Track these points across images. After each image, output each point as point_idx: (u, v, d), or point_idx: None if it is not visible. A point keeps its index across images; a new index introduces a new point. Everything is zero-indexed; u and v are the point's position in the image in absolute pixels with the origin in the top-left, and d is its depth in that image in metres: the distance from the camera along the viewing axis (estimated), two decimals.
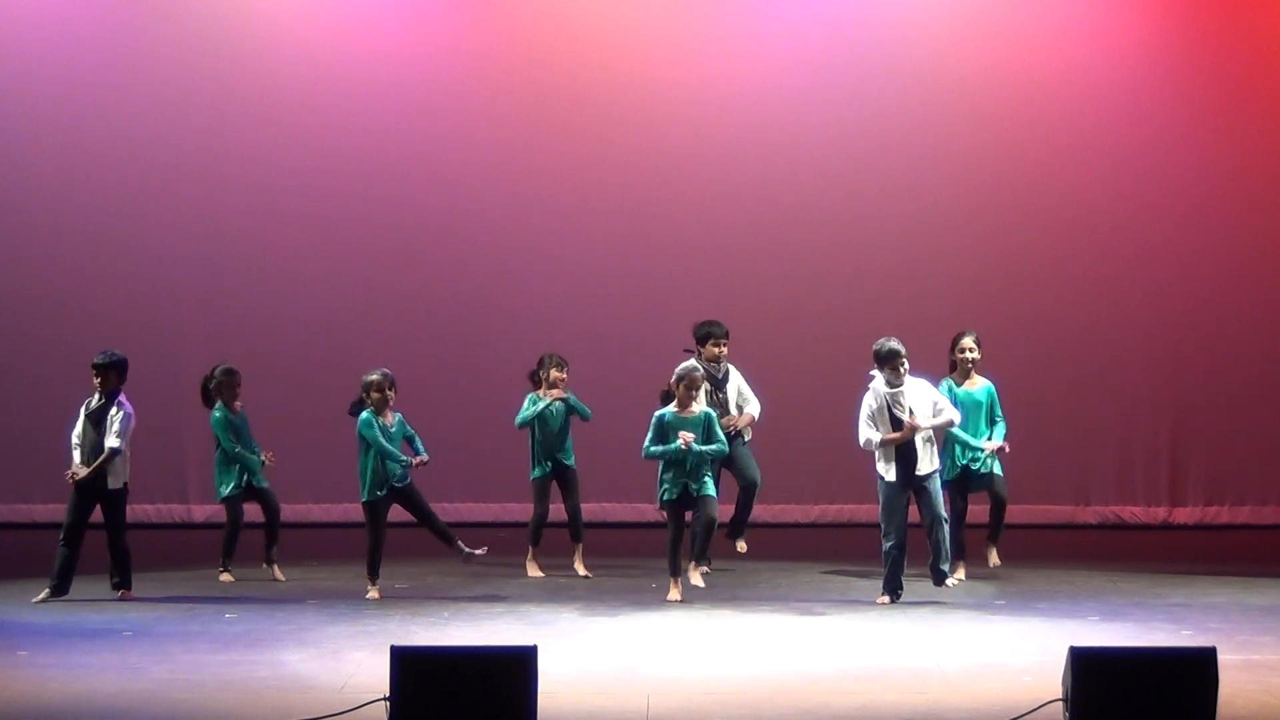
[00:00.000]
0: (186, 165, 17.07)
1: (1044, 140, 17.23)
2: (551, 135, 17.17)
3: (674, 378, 13.01)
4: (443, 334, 16.97)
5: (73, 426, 13.00)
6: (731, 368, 14.15)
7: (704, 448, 12.84)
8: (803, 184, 17.20)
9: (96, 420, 12.87)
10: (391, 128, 17.14)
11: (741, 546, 14.18)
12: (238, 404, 14.04)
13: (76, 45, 17.02)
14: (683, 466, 12.82)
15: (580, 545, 14.28)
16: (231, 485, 13.95)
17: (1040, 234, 17.23)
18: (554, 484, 14.21)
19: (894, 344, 12.76)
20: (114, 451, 12.80)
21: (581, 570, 14.19)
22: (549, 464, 14.15)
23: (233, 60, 17.05)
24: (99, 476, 12.82)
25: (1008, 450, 13.75)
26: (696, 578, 13.37)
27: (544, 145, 17.17)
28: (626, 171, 17.19)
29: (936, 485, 12.84)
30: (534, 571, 14.17)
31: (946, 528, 12.82)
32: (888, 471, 12.75)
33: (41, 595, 12.85)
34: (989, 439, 13.76)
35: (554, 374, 14.11)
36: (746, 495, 14.20)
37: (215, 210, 17.10)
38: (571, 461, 14.24)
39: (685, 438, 12.75)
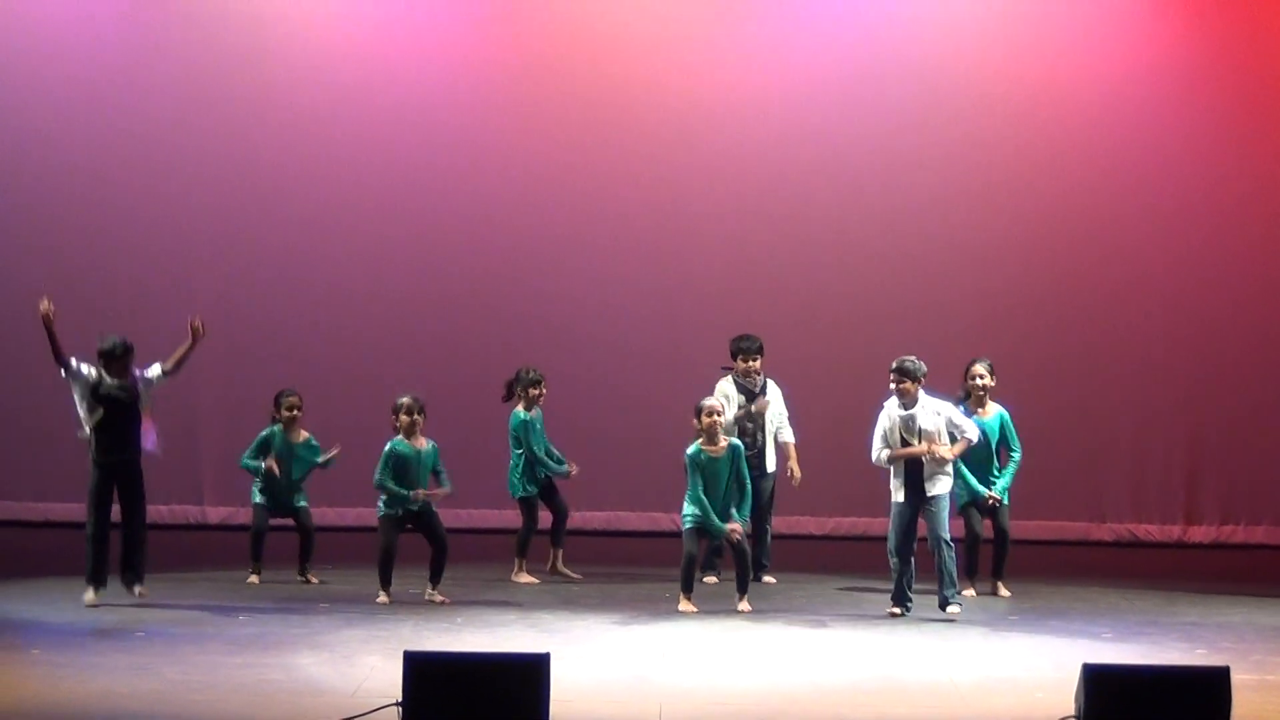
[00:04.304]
0: (206, 171, 17.11)
1: (1062, 156, 17.22)
2: (570, 145, 17.18)
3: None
4: (456, 342, 16.96)
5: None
6: (773, 384, 14.16)
7: (736, 523, 12.81)
8: (821, 198, 17.19)
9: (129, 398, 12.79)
10: (408, 136, 17.16)
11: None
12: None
13: (92, 46, 17.08)
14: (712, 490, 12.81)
15: (561, 550, 14.32)
16: (256, 489, 14.06)
17: (1055, 250, 17.22)
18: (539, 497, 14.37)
19: (897, 364, 12.74)
20: (166, 372, 12.81)
21: (569, 572, 14.25)
22: (543, 478, 14.20)
23: (249, 69, 17.09)
24: (137, 454, 12.69)
25: (1002, 504, 13.77)
26: (744, 606, 13.03)
27: (561, 156, 17.17)
28: (642, 184, 17.18)
29: (942, 507, 12.72)
30: (525, 579, 14.19)
31: (949, 552, 12.69)
32: (897, 491, 12.77)
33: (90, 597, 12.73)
34: (995, 484, 13.78)
35: (530, 392, 14.18)
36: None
37: (232, 215, 17.13)
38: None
39: (734, 529, 12.76)
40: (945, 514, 12.72)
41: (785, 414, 14.32)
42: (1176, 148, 17.25)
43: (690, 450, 12.85)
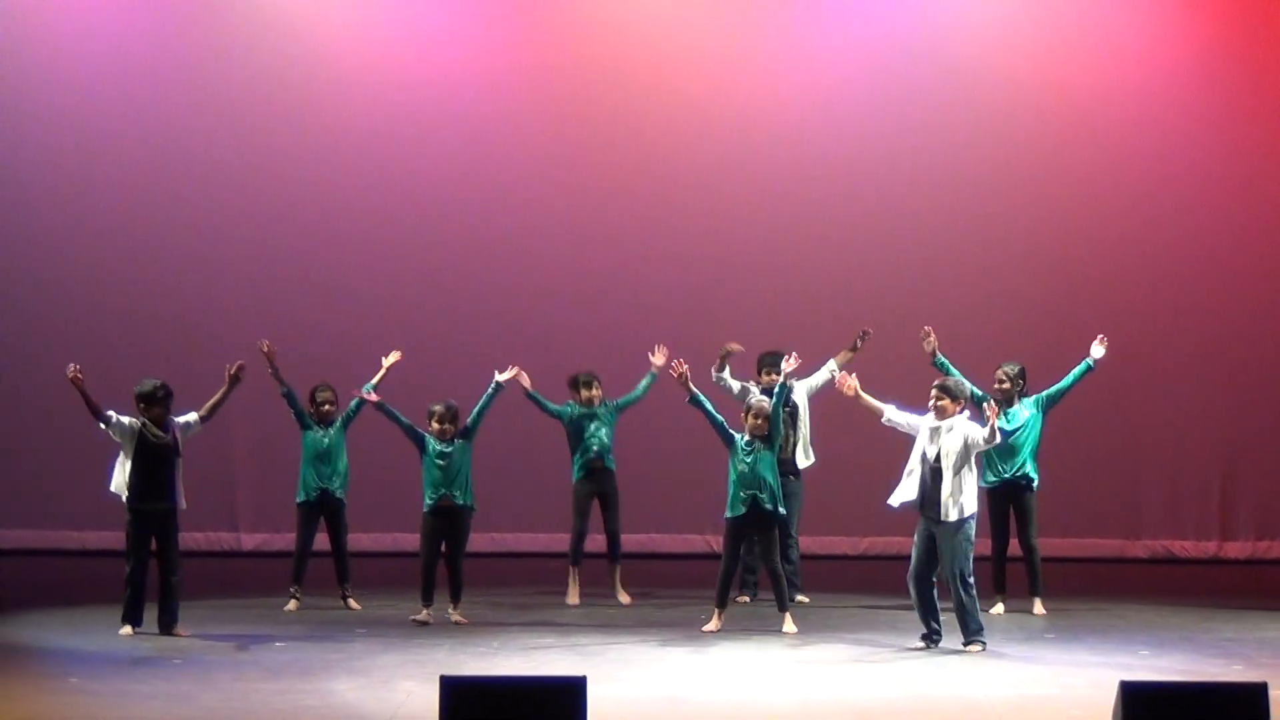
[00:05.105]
0: (235, 196, 17.20)
1: (1095, 166, 17.20)
2: (588, 153, 17.25)
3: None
4: (487, 363, 16.95)
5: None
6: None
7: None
8: (850, 210, 17.21)
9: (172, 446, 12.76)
10: (441, 152, 17.23)
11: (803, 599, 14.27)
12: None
13: (105, 61, 17.19)
14: (752, 477, 12.80)
15: (618, 567, 14.31)
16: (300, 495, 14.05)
17: (1088, 264, 17.20)
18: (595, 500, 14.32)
19: (939, 381, 12.51)
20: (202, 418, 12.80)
21: (623, 594, 14.25)
22: (585, 468, 14.23)
23: (269, 78, 17.22)
24: (173, 495, 12.66)
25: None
26: (789, 624, 13.00)
27: (580, 165, 17.24)
28: (680, 205, 17.22)
29: (960, 536, 12.13)
30: (573, 598, 14.18)
31: (967, 592, 12.15)
32: (905, 489, 12.40)
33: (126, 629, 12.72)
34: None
35: (584, 393, 14.27)
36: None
37: (266, 233, 17.20)
38: (612, 465, 14.32)
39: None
40: (966, 547, 12.19)
41: (816, 376, 14.29)
42: (1212, 158, 17.19)
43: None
